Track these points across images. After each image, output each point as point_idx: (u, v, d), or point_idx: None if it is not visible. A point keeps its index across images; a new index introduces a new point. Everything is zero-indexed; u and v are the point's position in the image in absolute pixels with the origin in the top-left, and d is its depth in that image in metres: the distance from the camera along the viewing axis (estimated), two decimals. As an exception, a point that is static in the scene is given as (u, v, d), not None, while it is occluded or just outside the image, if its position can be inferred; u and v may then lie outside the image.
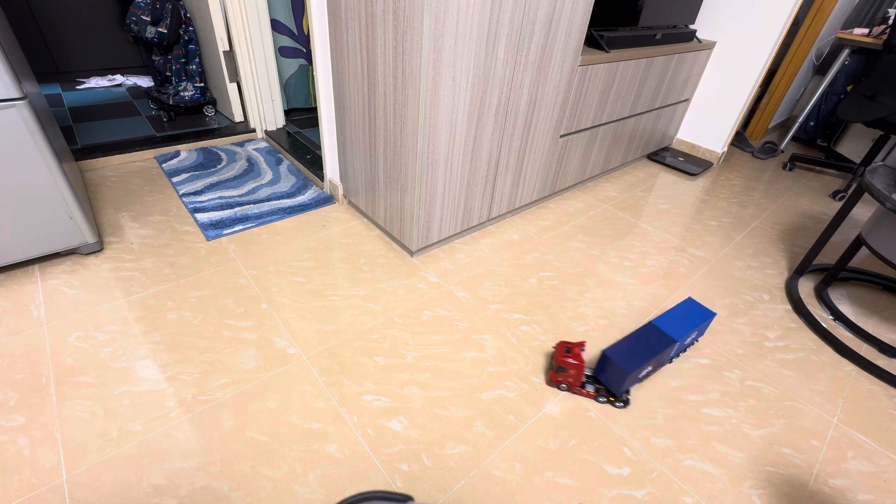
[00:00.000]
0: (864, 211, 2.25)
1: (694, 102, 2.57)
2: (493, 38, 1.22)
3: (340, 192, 1.79)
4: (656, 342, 1.12)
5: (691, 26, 2.37)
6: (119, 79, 2.90)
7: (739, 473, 0.97)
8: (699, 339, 1.31)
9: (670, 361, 1.23)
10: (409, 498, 0.37)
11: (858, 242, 1.40)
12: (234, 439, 0.93)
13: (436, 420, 1.02)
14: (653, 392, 1.14)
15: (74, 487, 0.83)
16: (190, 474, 0.87)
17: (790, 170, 2.62)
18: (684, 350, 1.26)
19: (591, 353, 1.24)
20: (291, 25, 2.25)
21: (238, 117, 2.37)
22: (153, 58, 2.28)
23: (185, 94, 2.26)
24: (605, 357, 1.07)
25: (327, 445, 0.94)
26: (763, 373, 1.23)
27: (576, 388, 1.10)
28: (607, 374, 1.08)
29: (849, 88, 2.80)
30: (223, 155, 2.09)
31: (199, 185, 1.83)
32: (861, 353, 1.32)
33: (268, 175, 1.96)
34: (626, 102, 1.97)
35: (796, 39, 2.71)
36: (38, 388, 1.00)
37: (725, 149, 2.54)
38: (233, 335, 1.18)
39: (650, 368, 1.13)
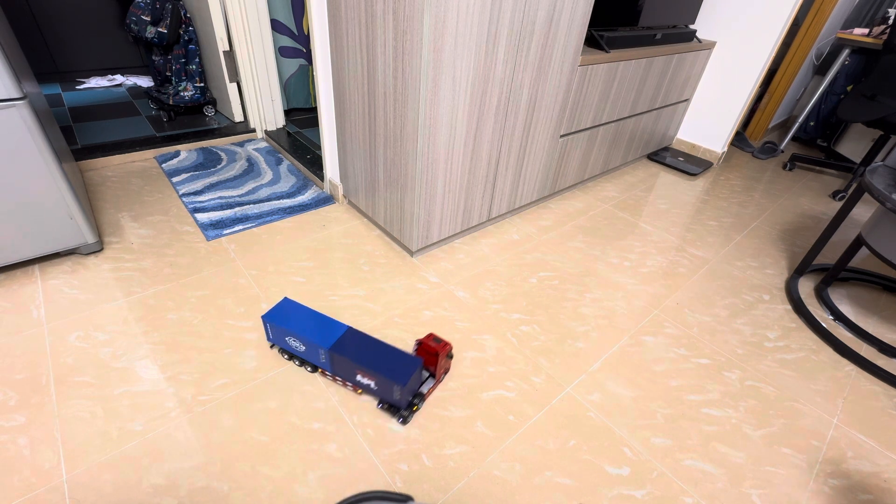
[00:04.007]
0: (864, 211, 2.25)
1: (694, 102, 2.57)
2: (493, 38, 1.22)
3: (340, 192, 1.79)
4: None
5: (691, 26, 2.37)
6: (119, 79, 2.90)
7: (739, 473, 0.97)
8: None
9: (348, 384, 1.05)
10: (409, 498, 0.37)
11: (858, 242, 1.40)
12: (234, 439, 0.93)
13: (436, 420, 1.01)
14: (653, 392, 1.14)
15: (74, 487, 0.83)
16: (190, 474, 0.87)
17: (790, 170, 2.62)
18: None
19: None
20: (291, 25, 2.25)
21: (238, 117, 2.37)
22: (153, 58, 2.28)
23: (185, 94, 2.26)
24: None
25: (327, 445, 0.94)
26: (763, 373, 1.23)
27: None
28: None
29: (849, 88, 2.80)
30: (223, 155, 2.09)
31: (199, 185, 1.83)
32: (861, 353, 1.32)
33: (268, 175, 1.96)
34: (626, 102, 1.97)
35: (796, 39, 2.71)
36: (38, 388, 1.00)
37: (725, 149, 2.54)
38: (233, 335, 1.18)
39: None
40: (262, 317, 1.06)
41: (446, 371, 1.12)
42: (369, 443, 0.95)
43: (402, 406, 0.99)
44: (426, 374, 1.09)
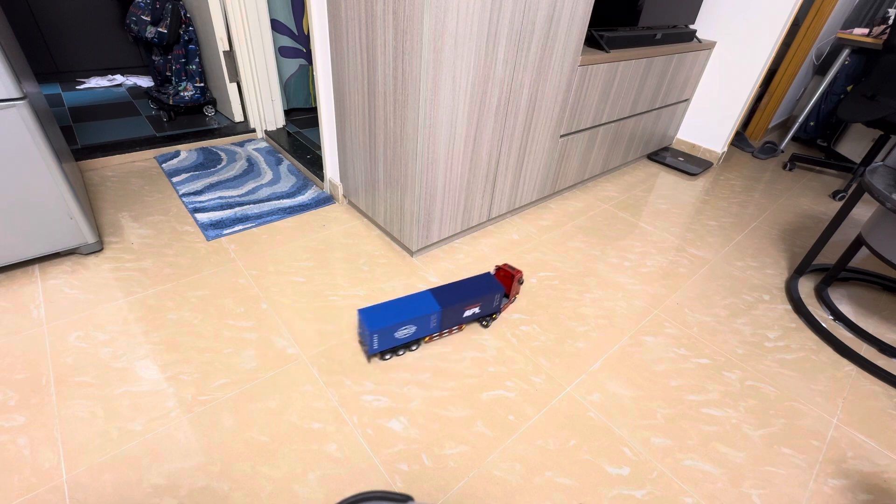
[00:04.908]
0: (864, 211, 2.25)
1: (694, 102, 2.57)
2: (493, 39, 1.22)
3: (340, 191, 1.79)
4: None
5: (691, 26, 2.37)
6: (119, 79, 2.90)
7: (739, 473, 0.97)
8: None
9: (453, 329, 1.23)
10: (409, 498, 0.37)
11: (858, 242, 1.40)
12: (234, 439, 0.93)
13: (436, 420, 1.02)
14: (653, 392, 1.14)
15: (74, 487, 0.83)
16: (190, 474, 0.87)
17: (790, 170, 2.62)
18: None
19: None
20: (291, 25, 2.25)
21: (238, 117, 2.37)
22: (153, 58, 2.28)
23: (185, 94, 2.26)
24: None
25: (327, 445, 0.94)
26: (763, 373, 1.23)
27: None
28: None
29: (849, 88, 2.80)
30: (223, 155, 2.09)
31: (199, 185, 1.83)
32: (861, 353, 1.32)
33: (268, 175, 1.96)
34: (626, 102, 1.97)
35: (796, 39, 2.71)
36: (38, 388, 1.00)
37: (725, 149, 2.54)
38: (233, 335, 1.18)
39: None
40: (370, 331, 1.05)
41: (517, 294, 1.37)
42: (369, 443, 0.95)
43: (494, 311, 1.26)
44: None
